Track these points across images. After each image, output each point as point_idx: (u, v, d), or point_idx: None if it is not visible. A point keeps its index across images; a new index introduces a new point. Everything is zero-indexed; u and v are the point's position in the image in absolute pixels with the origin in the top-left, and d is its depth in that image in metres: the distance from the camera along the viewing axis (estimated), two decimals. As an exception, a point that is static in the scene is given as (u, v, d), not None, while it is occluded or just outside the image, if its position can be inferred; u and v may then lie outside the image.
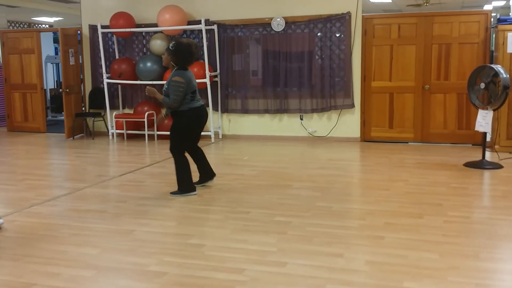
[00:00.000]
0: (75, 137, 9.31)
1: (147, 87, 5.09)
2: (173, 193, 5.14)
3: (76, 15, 9.66)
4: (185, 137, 5.11)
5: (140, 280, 3.17)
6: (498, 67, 6.23)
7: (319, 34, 8.32)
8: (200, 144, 5.42)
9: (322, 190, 5.28)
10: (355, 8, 8.13)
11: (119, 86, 9.28)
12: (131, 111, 9.29)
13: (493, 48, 7.71)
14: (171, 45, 4.97)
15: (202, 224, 4.29)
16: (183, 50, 4.95)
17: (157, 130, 8.81)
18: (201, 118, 5.14)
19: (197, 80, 8.29)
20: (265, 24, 8.51)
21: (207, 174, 5.44)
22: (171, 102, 4.90)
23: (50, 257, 3.54)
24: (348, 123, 8.40)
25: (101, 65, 9.11)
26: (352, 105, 8.29)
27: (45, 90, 10.85)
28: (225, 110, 8.87)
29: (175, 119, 5.08)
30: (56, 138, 9.43)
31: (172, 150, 5.13)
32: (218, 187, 5.51)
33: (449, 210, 4.50)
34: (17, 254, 3.61)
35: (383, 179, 5.73)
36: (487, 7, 12.58)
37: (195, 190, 5.16)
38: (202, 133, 5.44)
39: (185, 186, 5.12)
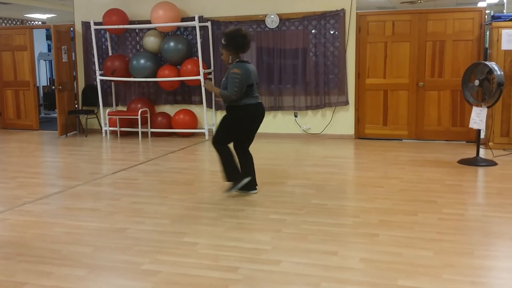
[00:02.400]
0: (68, 134, 9.26)
1: (206, 81, 4.92)
2: (228, 190, 4.96)
3: (69, 12, 9.61)
4: (234, 132, 4.90)
5: (133, 278, 3.14)
6: (492, 64, 6.23)
7: (313, 31, 8.30)
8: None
9: (317, 188, 5.26)
10: (349, 5, 8.11)
11: (112, 83, 9.23)
12: (125, 109, 9.24)
13: (487, 45, 7.71)
14: (222, 40, 4.81)
15: (196, 222, 4.26)
16: (235, 35, 4.75)
17: (152, 127, 8.78)
18: (256, 117, 4.87)
19: (190, 78, 8.42)
20: (259, 21, 8.48)
21: (251, 182, 5.01)
22: (230, 94, 4.69)
23: (42, 256, 3.51)
24: (342, 120, 8.39)
25: (94, 62, 9.05)
26: (346, 102, 8.28)
27: (37, 87, 10.80)
28: (219, 107, 8.83)
29: (229, 112, 4.87)
30: (49, 135, 9.38)
31: (214, 141, 4.93)
32: (212, 184, 5.49)
33: (443, 208, 4.50)
34: (9, 253, 3.57)
35: (378, 177, 5.73)
36: (481, 4, 12.59)
37: (246, 176, 4.91)
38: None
39: (235, 176, 4.89)
